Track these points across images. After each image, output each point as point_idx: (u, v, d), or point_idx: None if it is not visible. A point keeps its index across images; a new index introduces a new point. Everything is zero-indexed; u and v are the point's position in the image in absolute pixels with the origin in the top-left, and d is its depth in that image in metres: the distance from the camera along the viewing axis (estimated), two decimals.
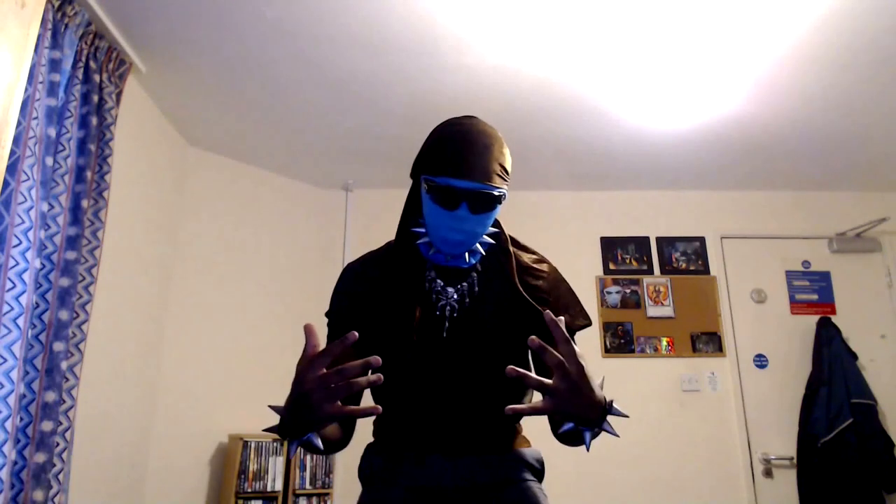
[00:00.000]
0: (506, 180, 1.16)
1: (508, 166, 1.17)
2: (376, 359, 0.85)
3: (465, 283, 1.23)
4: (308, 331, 0.91)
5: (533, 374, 0.90)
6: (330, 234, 3.89)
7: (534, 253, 1.33)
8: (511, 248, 1.27)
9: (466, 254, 1.21)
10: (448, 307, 1.21)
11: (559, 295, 1.27)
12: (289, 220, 3.81)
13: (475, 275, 1.24)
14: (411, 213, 1.25)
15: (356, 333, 0.85)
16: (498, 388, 1.21)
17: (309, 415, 0.90)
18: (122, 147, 2.61)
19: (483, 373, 1.19)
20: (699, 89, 2.83)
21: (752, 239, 3.87)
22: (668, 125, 3.16)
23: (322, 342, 0.98)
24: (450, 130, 1.16)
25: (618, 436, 0.97)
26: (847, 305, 3.70)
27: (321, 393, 0.88)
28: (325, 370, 0.88)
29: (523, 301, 1.21)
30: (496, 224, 1.28)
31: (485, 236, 1.23)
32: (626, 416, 0.99)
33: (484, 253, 1.24)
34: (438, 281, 1.23)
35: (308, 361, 0.89)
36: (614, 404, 0.97)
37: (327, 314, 1.30)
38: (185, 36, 2.52)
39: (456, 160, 1.11)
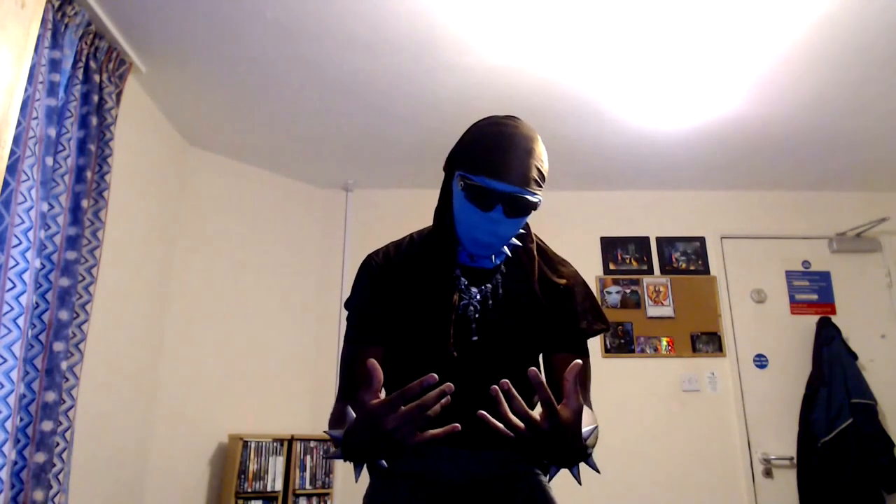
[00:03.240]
0: (541, 186, 1.13)
1: (546, 172, 1.15)
2: (432, 376, 0.84)
3: (488, 286, 1.22)
4: (373, 368, 0.89)
5: (545, 389, 0.89)
6: (330, 234, 3.89)
7: (556, 256, 1.31)
8: (535, 252, 1.26)
9: (493, 256, 1.20)
10: (471, 307, 1.20)
11: (578, 300, 1.25)
12: (289, 220, 3.81)
13: (499, 277, 1.23)
14: (445, 208, 1.22)
15: (435, 376, 0.84)
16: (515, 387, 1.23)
17: (394, 449, 0.91)
18: (122, 147, 2.61)
19: (500, 373, 1.20)
20: (699, 89, 2.83)
21: (752, 239, 3.86)
22: (668, 125, 3.16)
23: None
24: (491, 130, 1.13)
25: (598, 471, 1.00)
26: (847, 305, 3.70)
27: (406, 429, 0.88)
28: (402, 408, 0.88)
29: (542, 308, 1.21)
30: (524, 225, 1.26)
31: (513, 238, 1.22)
32: (598, 472, 1.01)
33: (510, 254, 1.24)
34: (463, 279, 1.22)
35: (386, 403, 0.88)
36: (592, 458, 0.99)
37: (348, 305, 1.27)
38: (185, 36, 2.52)
39: (495, 161, 1.09)
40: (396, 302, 1.21)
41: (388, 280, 1.23)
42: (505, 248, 1.21)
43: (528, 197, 1.10)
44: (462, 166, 1.14)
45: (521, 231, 1.25)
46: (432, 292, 1.20)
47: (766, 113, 3.02)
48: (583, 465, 1.00)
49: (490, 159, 1.09)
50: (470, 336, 1.19)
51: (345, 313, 1.32)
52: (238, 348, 3.40)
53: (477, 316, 1.20)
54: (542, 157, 1.14)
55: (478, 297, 1.21)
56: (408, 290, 1.21)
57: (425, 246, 1.25)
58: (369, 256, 1.29)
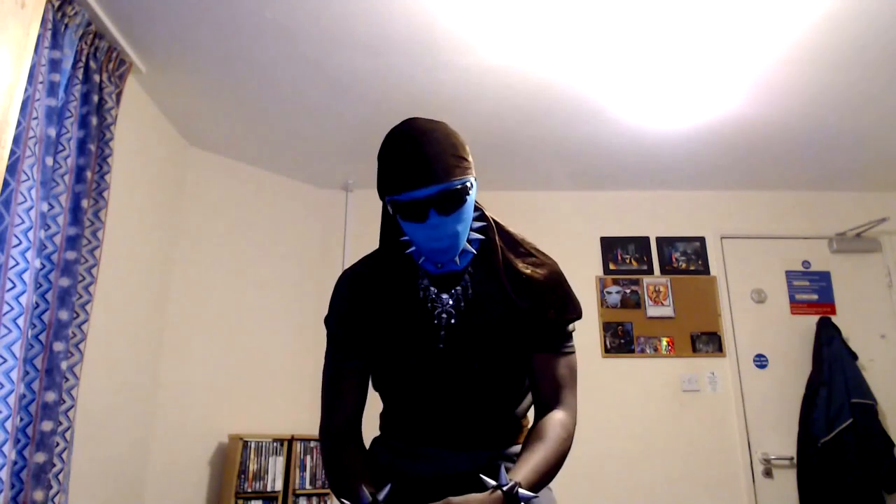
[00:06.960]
0: (465, 167, 1.11)
1: (463, 152, 1.12)
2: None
3: (458, 288, 1.21)
4: None
5: None
6: (330, 234, 3.89)
7: (524, 244, 1.27)
8: (499, 244, 1.22)
9: (457, 257, 1.19)
10: (444, 314, 1.20)
11: (546, 289, 1.21)
12: (289, 220, 3.81)
13: (468, 277, 1.22)
14: (392, 228, 1.24)
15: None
16: (497, 389, 1.22)
17: None
18: (122, 147, 2.61)
19: (482, 376, 1.20)
20: (699, 89, 2.83)
21: (752, 239, 3.86)
22: (668, 125, 3.16)
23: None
24: (389, 145, 1.13)
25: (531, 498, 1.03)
26: (847, 305, 3.70)
27: None
28: None
29: (513, 300, 1.19)
30: (483, 217, 1.23)
31: (473, 233, 1.20)
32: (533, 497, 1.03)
33: (475, 252, 1.22)
34: (432, 289, 1.21)
35: None
36: (523, 492, 1.01)
37: (326, 321, 1.30)
38: (185, 36, 2.52)
39: (404, 173, 1.08)
40: (371, 318, 1.23)
41: (359, 295, 1.25)
42: (469, 245, 1.20)
43: (452, 187, 1.09)
44: (384, 191, 1.14)
45: (482, 223, 1.22)
46: (400, 308, 1.21)
47: (766, 113, 3.02)
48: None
49: (399, 174, 1.09)
50: (437, 343, 1.19)
51: None
52: (238, 348, 3.40)
53: (453, 321, 1.19)
54: (451, 142, 1.12)
55: (450, 302, 1.20)
56: (381, 305, 1.23)
57: (384, 263, 1.25)
58: (343, 274, 1.31)
